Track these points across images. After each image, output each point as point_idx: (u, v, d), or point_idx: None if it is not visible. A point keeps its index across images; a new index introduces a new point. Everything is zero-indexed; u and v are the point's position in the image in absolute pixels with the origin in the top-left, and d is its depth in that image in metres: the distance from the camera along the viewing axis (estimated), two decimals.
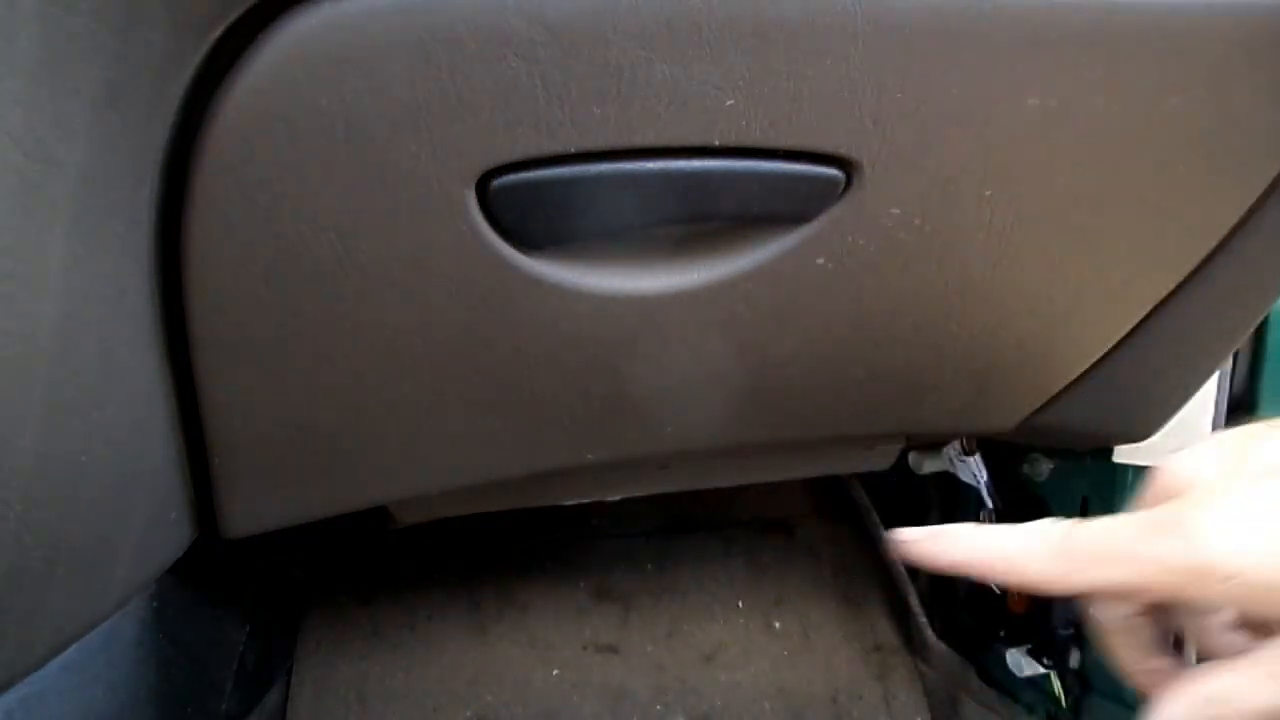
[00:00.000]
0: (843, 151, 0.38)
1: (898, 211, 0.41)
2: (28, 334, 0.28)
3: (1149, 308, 0.52)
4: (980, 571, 0.33)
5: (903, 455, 0.80)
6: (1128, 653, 0.35)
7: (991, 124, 0.38)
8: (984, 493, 0.79)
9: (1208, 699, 0.30)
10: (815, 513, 1.04)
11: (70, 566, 0.35)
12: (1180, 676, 0.30)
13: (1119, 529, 0.30)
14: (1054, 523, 0.32)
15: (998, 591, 0.81)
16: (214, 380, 0.39)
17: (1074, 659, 0.78)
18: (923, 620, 0.91)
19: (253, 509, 0.46)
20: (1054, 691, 0.77)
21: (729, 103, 0.35)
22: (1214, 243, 0.48)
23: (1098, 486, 0.74)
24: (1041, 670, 0.78)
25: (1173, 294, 0.51)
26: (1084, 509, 0.75)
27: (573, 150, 0.35)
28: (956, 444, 0.80)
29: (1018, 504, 0.80)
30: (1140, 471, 0.70)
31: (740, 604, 0.94)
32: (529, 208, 0.37)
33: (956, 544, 0.35)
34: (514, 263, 0.38)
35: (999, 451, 0.80)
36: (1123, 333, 0.54)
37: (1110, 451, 0.69)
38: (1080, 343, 0.54)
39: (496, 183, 0.35)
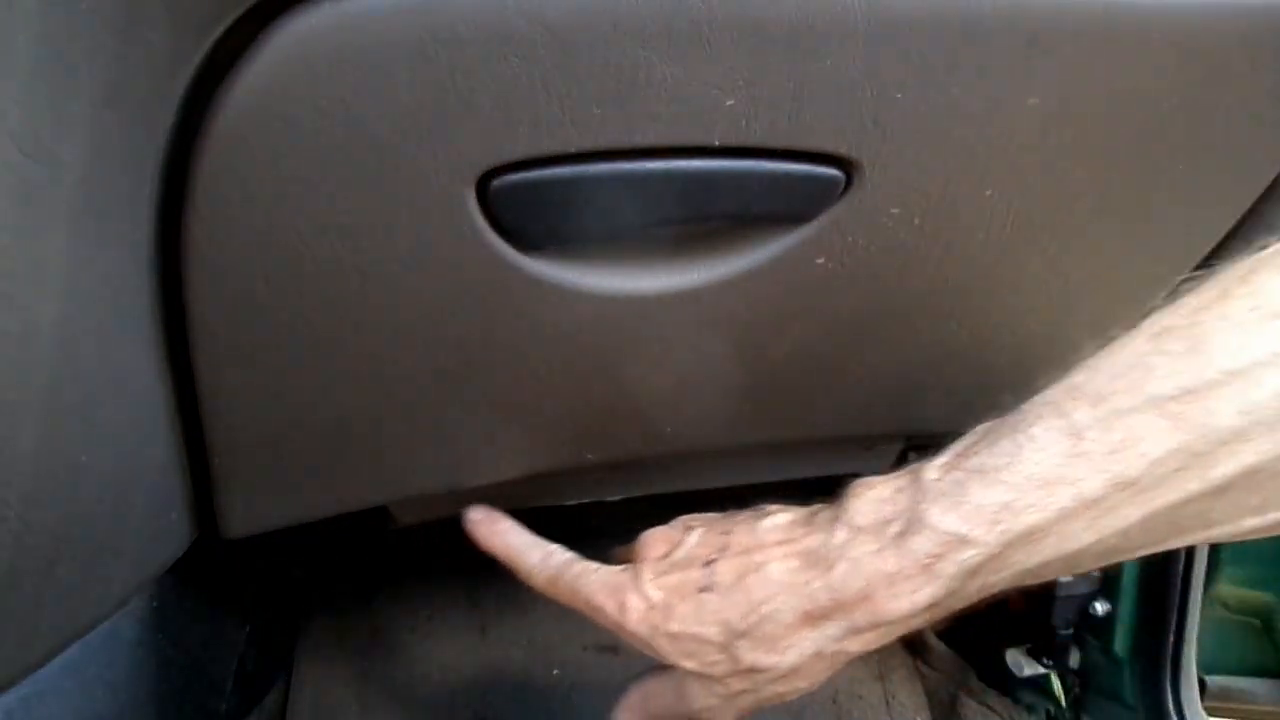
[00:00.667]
0: (843, 151, 0.38)
1: (898, 211, 0.41)
2: (28, 334, 0.28)
3: (1149, 307, 0.52)
4: (508, 566, 0.49)
5: (903, 455, 0.80)
6: None
7: (991, 124, 0.38)
8: None
9: (642, 694, 0.48)
10: None
11: (70, 566, 0.35)
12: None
13: (585, 581, 0.45)
14: (557, 554, 0.47)
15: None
16: (214, 380, 0.39)
17: (1074, 659, 0.78)
18: None
19: (253, 509, 0.46)
20: (1054, 691, 0.77)
21: (729, 103, 0.35)
22: (1213, 243, 0.48)
23: None
24: (1041, 670, 0.78)
25: (1173, 294, 0.51)
26: None
27: (573, 150, 0.35)
28: None
29: None
30: None
31: None
32: (529, 208, 0.37)
33: (496, 537, 0.50)
34: (514, 263, 0.38)
35: None
36: (1123, 333, 0.54)
37: None
38: (1080, 343, 0.54)
39: (496, 183, 0.35)
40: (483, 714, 0.83)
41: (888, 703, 0.87)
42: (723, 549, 0.41)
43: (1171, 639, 0.71)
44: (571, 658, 0.87)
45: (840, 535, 0.38)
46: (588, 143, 0.35)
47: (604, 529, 1.04)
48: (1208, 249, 0.49)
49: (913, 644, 0.92)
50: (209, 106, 0.31)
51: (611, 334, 0.43)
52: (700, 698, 0.42)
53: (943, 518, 0.35)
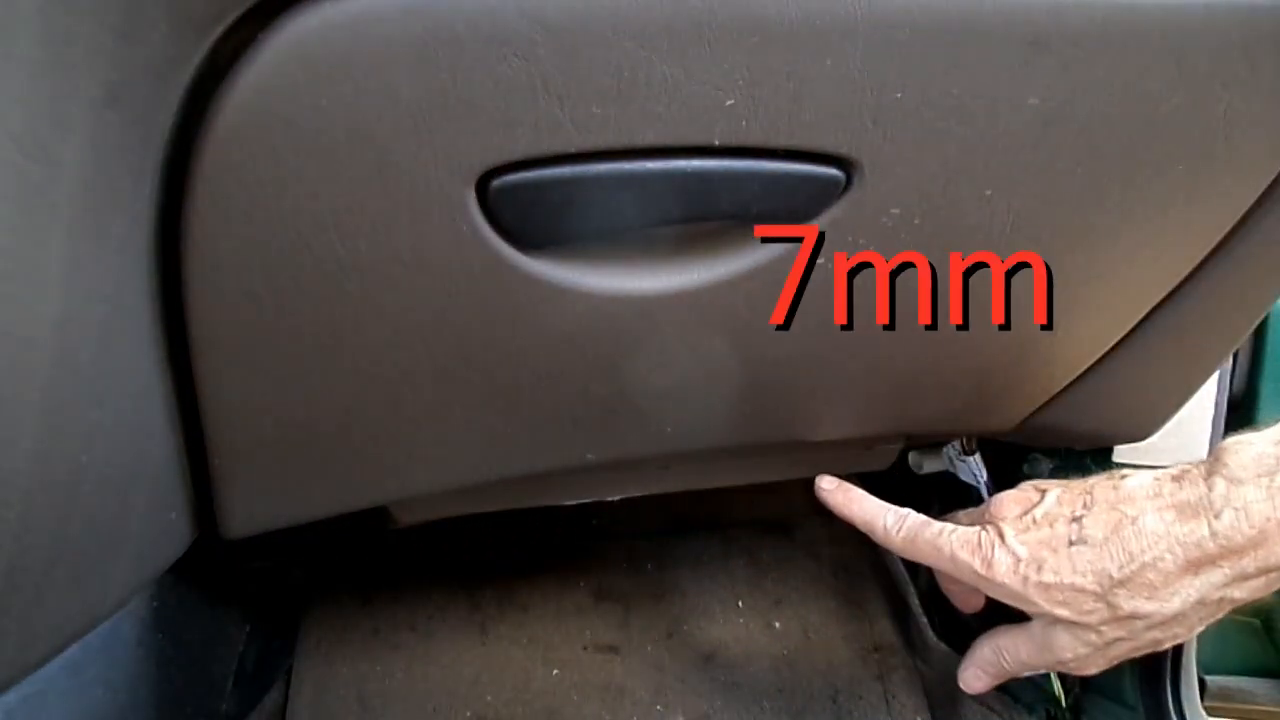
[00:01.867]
0: (843, 151, 0.38)
1: (898, 211, 0.41)
2: (28, 334, 0.28)
3: (1149, 307, 0.52)
4: (863, 529, 0.53)
5: (902, 455, 0.80)
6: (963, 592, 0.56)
7: (992, 124, 0.38)
8: (984, 493, 0.79)
9: (994, 649, 0.51)
10: (815, 513, 1.04)
11: (70, 566, 0.35)
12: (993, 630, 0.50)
13: (945, 540, 0.48)
14: (911, 516, 0.51)
15: None
16: (214, 380, 0.39)
17: None
18: (923, 620, 0.91)
19: (253, 509, 0.46)
20: (1053, 691, 0.77)
21: (729, 102, 0.35)
22: (1214, 243, 0.48)
23: None
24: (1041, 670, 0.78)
25: (1172, 294, 0.51)
26: None
27: (573, 150, 0.35)
28: (956, 444, 0.80)
29: None
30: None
31: (740, 604, 0.94)
32: (529, 208, 0.37)
33: (852, 504, 0.54)
34: (514, 263, 0.38)
35: (999, 451, 0.80)
36: (1123, 332, 0.54)
37: (1110, 451, 0.69)
38: (1080, 342, 0.54)
39: (496, 183, 0.35)
40: (482, 714, 0.83)
41: (888, 703, 0.87)
42: (1087, 506, 0.44)
43: None
44: (571, 658, 0.87)
45: (1220, 487, 0.40)
46: (588, 143, 0.35)
47: (604, 529, 1.04)
48: (1208, 249, 0.49)
49: (912, 644, 0.92)
50: (209, 106, 0.31)
51: (611, 334, 0.43)
52: (1070, 647, 0.45)
53: None
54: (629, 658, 0.88)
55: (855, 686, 0.89)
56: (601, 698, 0.84)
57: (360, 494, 0.49)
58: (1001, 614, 0.82)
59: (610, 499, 0.74)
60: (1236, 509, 0.39)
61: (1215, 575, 0.40)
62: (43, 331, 0.29)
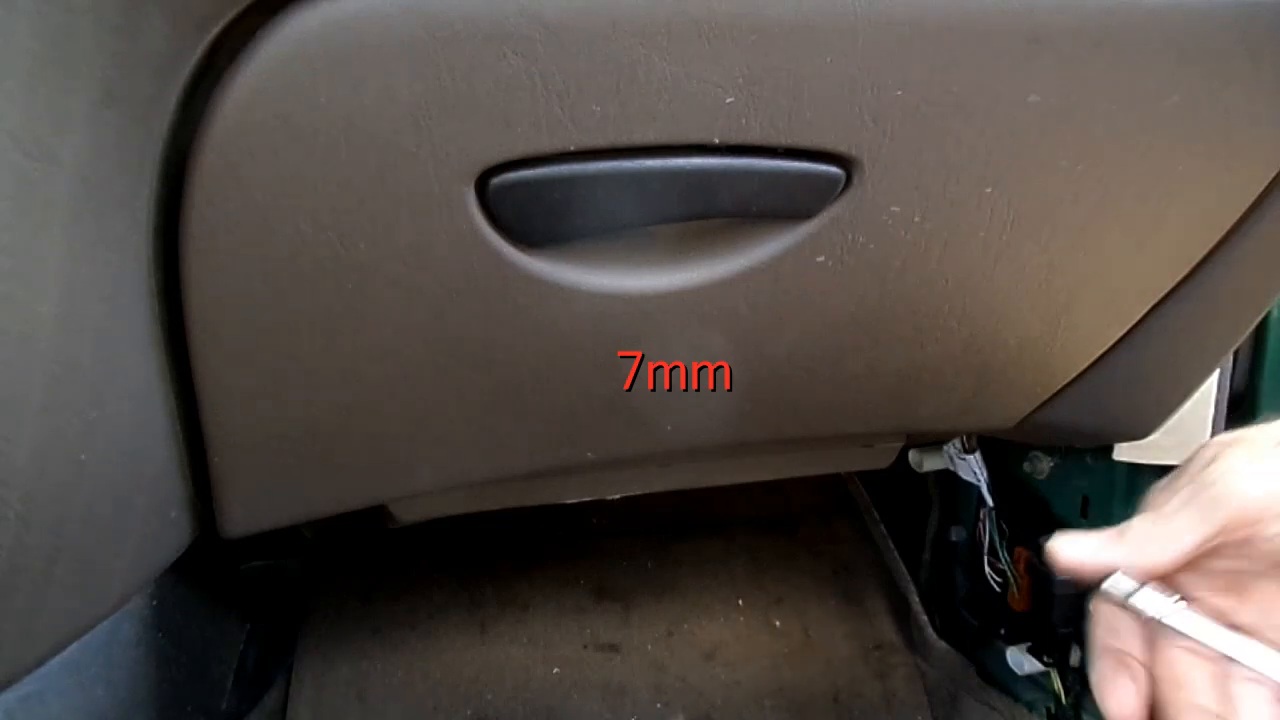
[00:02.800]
0: (843, 149, 0.38)
1: (898, 209, 0.41)
2: (27, 333, 0.28)
3: (1149, 306, 0.52)
4: None
5: (903, 453, 0.80)
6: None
7: (992, 121, 0.38)
8: (984, 490, 0.79)
9: None
10: (816, 511, 1.04)
11: (70, 566, 0.35)
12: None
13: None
14: None
15: (997, 589, 0.82)
16: (214, 380, 0.39)
17: (1074, 656, 0.78)
18: (923, 619, 0.91)
19: (253, 508, 0.46)
20: (1054, 689, 0.77)
21: (729, 100, 0.35)
22: (1213, 242, 0.48)
23: (1098, 485, 0.74)
24: (1041, 668, 0.78)
25: (1172, 292, 0.51)
26: (1084, 507, 0.75)
27: (572, 148, 0.35)
28: (957, 442, 0.80)
29: (1018, 502, 0.80)
30: (1140, 470, 0.69)
31: (740, 603, 0.94)
32: (528, 206, 0.37)
33: None
34: (513, 261, 0.38)
35: (999, 449, 0.80)
36: (1123, 331, 0.54)
37: (1110, 449, 0.69)
38: (1080, 340, 0.54)
39: (496, 181, 0.35)
40: (483, 713, 0.83)
41: (888, 701, 0.87)
42: None
43: None
44: (572, 656, 0.87)
45: None
46: (587, 140, 0.35)
47: (604, 528, 1.04)
48: (1207, 248, 0.49)
49: (913, 642, 0.92)
50: (208, 105, 0.31)
51: (611, 332, 0.43)
52: None
53: None
54: (629, 656, 0.88)
55: (855, 685, 0.89)
56: (602, 696, 0.84)
57: (360, 493, 0.49)
58: (999, 615, 0.82)
59: (610, 498, 0.74)
60: None
61: None
62: (42, 331, 0.29)
